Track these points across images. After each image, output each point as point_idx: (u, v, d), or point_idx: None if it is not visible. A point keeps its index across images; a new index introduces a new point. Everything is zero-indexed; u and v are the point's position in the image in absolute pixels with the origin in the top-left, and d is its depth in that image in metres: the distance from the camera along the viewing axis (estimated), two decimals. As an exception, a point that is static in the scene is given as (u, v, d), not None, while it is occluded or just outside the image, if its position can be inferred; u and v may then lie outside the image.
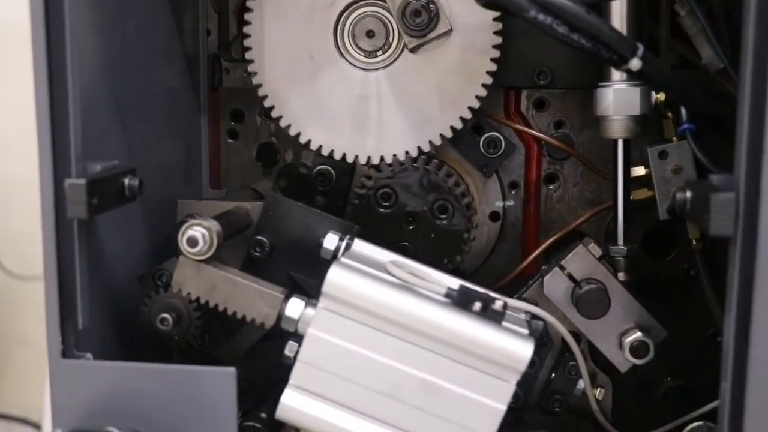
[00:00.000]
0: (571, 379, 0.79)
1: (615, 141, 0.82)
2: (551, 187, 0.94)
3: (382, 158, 0.84)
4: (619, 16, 0.79)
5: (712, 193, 0.57)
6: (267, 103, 0.84)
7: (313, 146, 0.85)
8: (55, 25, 0.63)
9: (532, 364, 0.80)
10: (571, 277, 0.78)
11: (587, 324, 0.78)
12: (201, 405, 0.66)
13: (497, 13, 0.81)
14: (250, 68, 0.84)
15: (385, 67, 0.84)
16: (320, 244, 0.73)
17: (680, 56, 0.87)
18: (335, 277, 0.65)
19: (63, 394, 0.67)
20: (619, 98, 0.79)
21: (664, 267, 0.91)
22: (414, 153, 0.84)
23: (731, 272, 0.61)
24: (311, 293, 0.72)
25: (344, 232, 0.75)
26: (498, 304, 0.66)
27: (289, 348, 0.69)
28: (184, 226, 0.69)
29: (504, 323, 0.66)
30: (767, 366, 0.59)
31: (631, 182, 0.84)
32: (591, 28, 0.66)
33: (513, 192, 0.94)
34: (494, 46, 0.82)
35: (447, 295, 0.67)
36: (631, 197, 0.84)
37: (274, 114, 0.84)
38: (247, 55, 0.84)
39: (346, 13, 0.83)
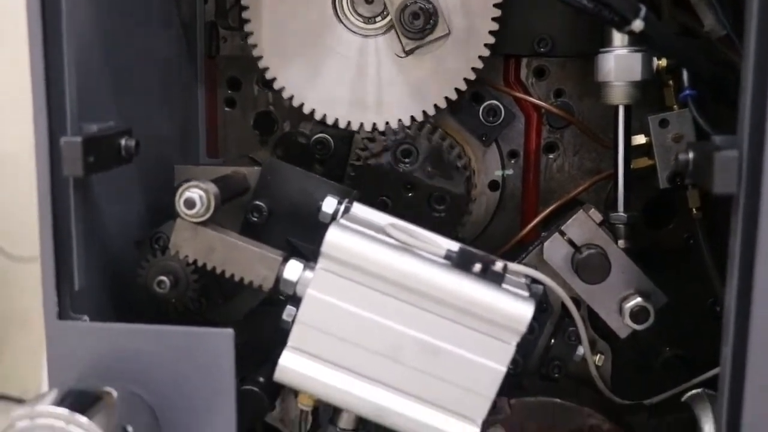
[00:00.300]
0: (571, 344, 0.79)
1: (616, 107, 0.81)
2: (551, 156, 0.93)
3: (380, 125, 0.83)
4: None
5: (716, 152, 0.57)
6: (262, 65, 0.83)
7: (307, 109, 0.83)
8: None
9: (532, 330, 0.79)
10: (571, 243, 0.77)
11: (587, 290, 0.77)
12: (199, 366, 0.66)
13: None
14: (250, 40, 0.83)
15: (384, 32, 0.83)
16: (319, 208, 0.73)
17: (682, 25, 0.86)
18: (334, 237, 0.64)
19: (59, 355, 0.67)
20: (620, 64, 0.79)
21: (663, 236, 0.90)
22: (409, 122, 0.83)
23: (734, 232, 0.61)
24: (310, 259, 0.72)
25: (343, 196, 0.74)
26: (498, 266, 0.65)
27: (287, 312, 0.68)
28: (181, 188, 0.68)
29: (504, 285, 0.65)
30: (769, 329, 0.58)
31: (631, 151, 0.83)
32: (593, -14, 0.65)
33: (512, 161, 0.94)
34: (493, 19, 0.80)
35: (447, 257, 0.66)
36: (631, 166, 0.83)
37: (268, 77, 0.83)
38: (246, 28, 0.82)
39: (344, -21, 0.83)
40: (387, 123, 0.83)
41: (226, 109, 0.96)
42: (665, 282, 0.81)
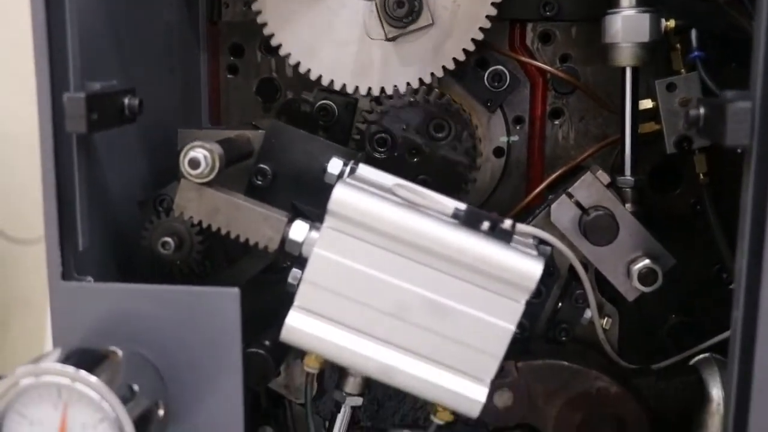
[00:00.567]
0: (578, 308, 0.78)
1: (623, 70, 0.81)
2: (556, 122, 0.92)
3: (383, 90, 0.83)
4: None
5: (729, 103, 0.56)
6: (267, 32, 0.82)
7: (314, 76, 0.82)
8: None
9: (539, 293, 0.79)
10: (578, 205, 0.77)
11: (595, 252, 0.77)
12: (205, 326, 0.65)
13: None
14: (254, 6, 0.81)
15: (388, -5, 0.82)
16: (324, 170, 0.72)
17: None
18: (341, 194, 0.64)
19: (63, 317, 0.66)
20: (627, 24, 0.78)
21: (670, 202, 0.90)
22: (416, 84, 0.82)
23: (745, 187, 0.60)
24: (315, 221, 0.71)
25: (348, 158, 0.73)
26: (506, 224, 0.65)
27: (293, 275, 0.68)
28: (185, 148, 0.67)
29: (512, 244, 0.65)
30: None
31: (638, 115, 0.82)
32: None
33: (518, 127, 0.93)
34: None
35: (454, 216, 0.65)
36: (638, 131, 0.83)
37: (274, 43, 0.82)
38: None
39: (348, -63, 0.81)
40: (395, 87, 0.82)
41: (229, 76, 0.95)
42: (671, 248, 0.80)
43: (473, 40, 0.80)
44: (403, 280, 0.64)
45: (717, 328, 0.80)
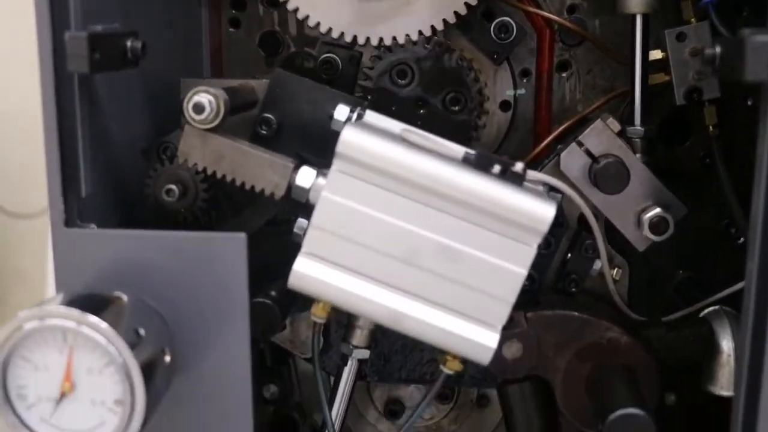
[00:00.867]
0: (588, 258, 0.77)
1: (633, 17, 0.79)
2: (564, 74, 0.91)
3: (399, 38, 0.80)
4: None
5: (748, 37, 0.55)
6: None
7: (323, 29, 0.81)
8: None
9: (547, 244, 0.78)
10: (588, 153, 0.75)
11: (605, 202, 0.76)
12: (211, 273, 0.64)
13: None
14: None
15: (393, -58, 0.80)
16: (331, 116, 0.70)
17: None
18: (350, 136, 0.62)
19: (66, 265, 0.65)
20: (638, -30, 0.77)
21: (679, 155, 0.88)
22: (414, 37, 0.80)
23: (762, 126, 0.59)
24: (321, 170, 0.70)
25: (355, 106, 0.72)
26: (518, 167, 0.63)
27: (299, 225, 0.67)
28: (190, 93, 0.66)
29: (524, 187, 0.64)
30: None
31: (648, 66, 0.81)
32: None
33: (524, 80, 0.92)
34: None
35: (465, 160, 0.64)
36: (648, 82, 0.82)
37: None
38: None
39: None
40: (407, 35, 0.80)
41: (231, 29, 0.94)
42: (679, 203, 0.80)
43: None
44: (413, 224, 0.63)
45: (725, 283, 0.79)
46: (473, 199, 0.62)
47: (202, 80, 0.81)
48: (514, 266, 0.63)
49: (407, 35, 0.80)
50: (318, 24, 0.80)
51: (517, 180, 0.63)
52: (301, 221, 0.66)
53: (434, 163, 0.62)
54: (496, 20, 0.88)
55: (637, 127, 0.79)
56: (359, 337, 0.76)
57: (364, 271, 0.64)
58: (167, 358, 0.62)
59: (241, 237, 0.63)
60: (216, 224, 0.76)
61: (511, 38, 0.88)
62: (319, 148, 0.76)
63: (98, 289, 0.63)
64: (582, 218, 0.79)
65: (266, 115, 0.77)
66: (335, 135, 0.64)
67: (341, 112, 0.70)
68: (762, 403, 0.60)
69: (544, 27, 0.90)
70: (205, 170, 0.67)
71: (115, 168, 0.71)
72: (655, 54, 0.83)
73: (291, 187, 0.67)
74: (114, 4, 0.70)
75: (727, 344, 0.76)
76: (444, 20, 0.79)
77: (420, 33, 0.80)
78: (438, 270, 0.63)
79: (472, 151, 0.65)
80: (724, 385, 0.76)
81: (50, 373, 0.58)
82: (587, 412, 0.73)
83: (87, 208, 0.66)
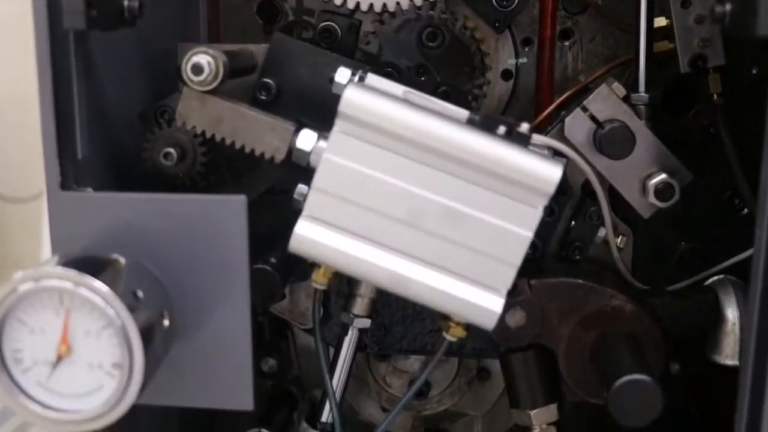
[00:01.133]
0: (592, 225, 0.76)
1: (638, -19, 0.78)
2: (566, 43, 0.90)
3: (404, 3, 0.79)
4: None
5: (761, -10, 0.54)
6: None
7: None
8: None
9: (551, 212, 0.77)
10: (593, 119, 0.74)
11: (609, 168, 0.75)
12: (210, 237, 0.63)
13: None
14: None
15: None
16: (331, 80, 0.69)
17: None
18: (352, 95, 0.61)
19: (62, 229, 0.64)
20: (643, -68, 0.75)
21: (683, 124, 0.87)
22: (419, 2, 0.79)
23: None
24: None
25: (356, 69, 0.71)
26: (524, 128, 0.62)
27: (299, 191, 0.65)
28: (188, 54, 0.65)
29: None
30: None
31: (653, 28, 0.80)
32: None
33: (526, 49, 0.90)
34: None
35: (469, 121, 0.63)
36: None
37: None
38: None
39: None
40: (410, 1, 0.78)
41: (228, -4, 0.92)
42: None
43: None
44: (417, 186, 0.61)
45: (729, 254, 0.78)
46: (478, 160, 0.60)
47: (199, 44, 0.79)
48: (520, 229, 0.61)
49: (411, 1, 0.78)
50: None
51: (522, 141, 0.62)
52: (301, 187, 0.65)
53: (438, 123, 0.61)
54: (498, -13, 0.87)
55: (642, 93, 0.78)
56: (360, 305, 0.75)
57: (366, 234, 0.63)
58: (166, 322, 0.61)
59: (240, 199, 0.62)
60: (214, 190, 0.74)
61: (513, 6, 0.87)
62: (319, 114, 0.74)
63: (95, 253, 0.62)
64: (586, 186, 0.78)
65: (265, 80, 0.75)
66: (336, 99, 0.63)
67: (342, 74, 0.68)
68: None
69: (547, -6, 0.88)
70: (203, 133, 0.66)
71: (112, 132, 0.69)
72: (659, 21, 0.82)
73: (291, 150, 0.66)
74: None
75: (732, 313, 0.75)
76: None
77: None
78: (442, 233, 0.62)
79: (476, 115, 0.63)
80: (728, 354, 0.75)
81: (46, 336, 0.57)
82: (591, 381, 0.72)
83: (83, 172, 0.65)
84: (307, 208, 0.63)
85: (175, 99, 0.69)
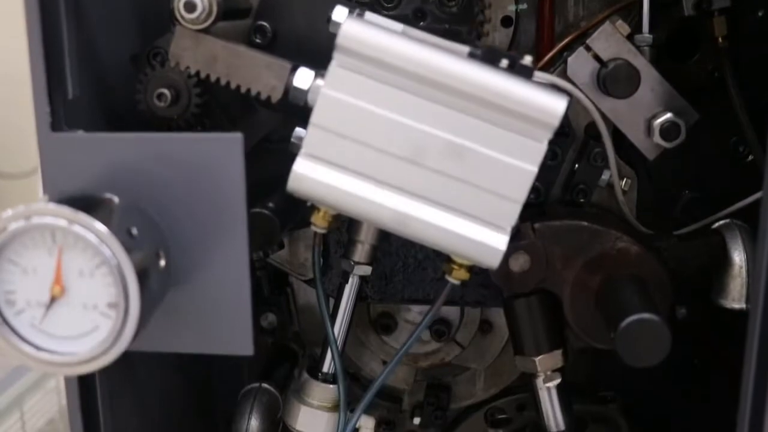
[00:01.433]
0: (596, 168, 0.75)
1: None
2: (567, -13, 0.88)
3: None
4: None
5: None
6: None
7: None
8: None
9: (554, 155, 0.75)
10: (597, 58, 0.73)
11: (614, 108, 0.73)
12: (206, 177, 0.61)
13: None
14: None
15: None
16: (329, 20, 0.67)
17: None
18: (351, 28, 0.59)
19: (53, 172, 0.62)
20: None
21: (687, 70, 0.85)
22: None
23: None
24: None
25: (354, 7, 0.69)
26: (527, 60, 0.61)
27: (296, 135, 0.64)
28: (180, -10, 0.63)
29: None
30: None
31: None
32: None
33: (526, -6, 0.88)
34: None
35: (471, 55, 0.61)
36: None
37: None
38: None
39: None
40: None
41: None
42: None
43: None
44: (419, 121, 0.60)
45: (733, 202, 0.77)
46: (481, 92, 0.59)
47: (192, -11, 0.77)
48: (524, 163, 0.60)
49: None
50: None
51: (526, 73, 0.60)
52: (299, 130, 0.64)
53: (439, 55, 0.59)
54: (498, -70, 0.85)
55: (646, 34, 0.76)
56: (360, 252, 0.73)
57: (367, 171, 0.61)
58: (162, 262, 0.59)
59: (236, 137, 0.60)
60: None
61: (513, -50, 0.85)
62: (316, 58, 0.73)
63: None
64: (588, 129, 0.76)
65: (261, 23, 0.74)
66: (333, 39, 0.61)
67: (340, 13, 0.66)
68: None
69: (547, -64, 0.86)
70: (198, 74, 0.64)
71: (104, 74, 0.67)
72: (663, -38, 0.80)
73: (288, 89, 0.64)
74: None
75: (738, 256, 0.74)
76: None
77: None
78: (444, 169, 0.60)
79: (477, 49, 0.62)
80: (735, 297, 0.74)
81: (39, 276, 0.55)
82: (595, 326, 0.71)
83: (74, 114, 0.63)
84: (306, 146, 0.61)
85: (167, 40, 0.67)
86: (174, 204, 0.61)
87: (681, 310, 0.74)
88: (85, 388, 0.63)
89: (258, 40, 0.74)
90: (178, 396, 0.86)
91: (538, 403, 0.77)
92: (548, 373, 0.74)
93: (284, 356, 0.92)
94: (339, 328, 0.75)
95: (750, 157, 0.85)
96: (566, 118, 0.69)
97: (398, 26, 0.66)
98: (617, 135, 0.76)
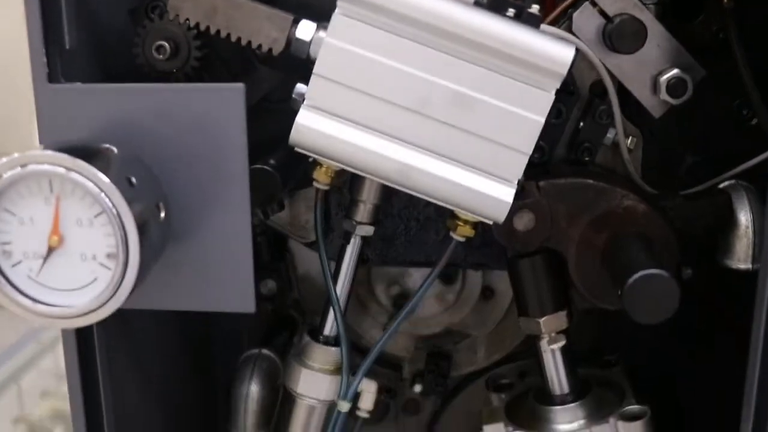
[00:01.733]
0: (602, 125, 0.73)
1: None
2: (571, -53, 0.86)
3: None
4: None
5: None
6: None
7: None
8: None
9: (558, 114, 0.74)
10: (602, 14, 0.71)
11: (619, 65, 0.72)
12: (207, 129, 0.60)
13: None
14: None
15: None
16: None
17: None
18: (355, -26, 0.58)
19: (50, 124, 0.61)
20: None
21: (692, 31, 0.84)
22: None
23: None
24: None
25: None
26: (534, 8, 0.59)
27: (297, 91, 0.62)
28: (178, -61, 0.61)
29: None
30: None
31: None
32: None
33: (529, -46, 0.87)
34: None
35: (476, 3, 0.60)
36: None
37: None
38: None
39: None
40: None
41: None
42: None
43: None
44: (424, 71, 0.59)
45: (737, 165, 0.76)
46: (487, 41, 0.58)
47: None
48: (531, 113, 0.59)
49: None
50: None
51: (533, 22, 0.59)
52: (300, 86, 0.62)
53: (445, 3, 0.58)
54: None
55: (651, -8, 0.75)
56: (362, 212, 0.72)
57: (371, 123, 0.60)
58: (162, 214, 0.58)
59: (238, 87, 0.59)
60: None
61: None
62: (317, 15, 0.72)
63: (86, 148, 0.59)
64: (593, 87, 0.75)
65: (259, -21, 0.72)
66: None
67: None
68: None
69: None
70: (197, 26, 0.63)
71: (102, 28, 0.66)
72: None
73: (290, 41, 0.63)
74: None
75: (744, 216, 0.73)
76: None
77: None
78: (450, 120, 0.59)
79: None
80: (741, 258, 0.73)
81: (36, 226, 0.54)
82: (601, 285, 0.70)
83: (71, 66, 0.62)
84: (309, 98, 0.60)
85: (165, -8, 0.66)
86: (174, 157, 0.60)
87: (687, 270, 0.73)
88: (83, 341, 0.62)
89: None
90: (176, 354, 0.85)
91: (542, 365, 0.76)
92: (553, 334, 0.74)
93: (284, 324, 0.91)
94: (341, 288, 0.74)
95: (754, 121, 0.84)
96: (571, 76, 0.67)
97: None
98: (622, 93, 0.74)
